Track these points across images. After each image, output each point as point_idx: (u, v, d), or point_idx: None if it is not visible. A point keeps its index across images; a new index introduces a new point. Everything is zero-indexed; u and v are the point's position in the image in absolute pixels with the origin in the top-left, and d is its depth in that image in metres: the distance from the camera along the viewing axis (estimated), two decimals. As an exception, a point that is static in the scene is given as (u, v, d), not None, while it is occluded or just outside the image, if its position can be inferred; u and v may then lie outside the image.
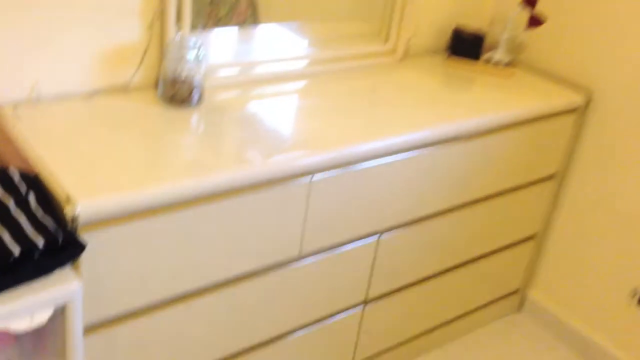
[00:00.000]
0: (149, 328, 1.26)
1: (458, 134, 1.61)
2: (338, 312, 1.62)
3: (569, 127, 1.92)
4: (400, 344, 1.88)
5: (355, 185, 1.45)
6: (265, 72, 1.66)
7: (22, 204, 1.02)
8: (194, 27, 1.86)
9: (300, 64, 1.74)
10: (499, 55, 1.95)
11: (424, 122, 1.57)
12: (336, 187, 1.41)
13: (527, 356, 2.06)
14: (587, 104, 1.90)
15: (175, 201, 1.17)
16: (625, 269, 1.93)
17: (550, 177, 1.98)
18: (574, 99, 1.87)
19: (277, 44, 1.83)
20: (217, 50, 1.68)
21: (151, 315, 1.25)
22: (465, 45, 1.94)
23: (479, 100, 1.75)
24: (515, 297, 2.19)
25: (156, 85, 1.43)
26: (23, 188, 1.05)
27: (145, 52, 1.43)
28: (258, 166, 1.26)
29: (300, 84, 1.69)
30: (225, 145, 1.30)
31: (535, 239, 2.10)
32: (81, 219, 1.05)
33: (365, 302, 1.68)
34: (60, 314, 1.02)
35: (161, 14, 1.41)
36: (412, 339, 1.91)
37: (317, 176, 1.36)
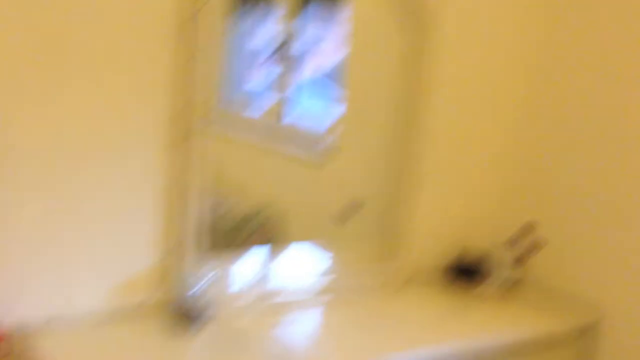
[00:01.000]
0: None
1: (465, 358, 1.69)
2: None
3: (579, 348, 1.95)
4: None
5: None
6: (278, 295, 1.80)
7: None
8: (215, 249, 2.06)
9: (312, 286, 1.88)
10: (499, 279, 2.05)
11: (425, 346, 1.66)
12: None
13: None
14: (597, 321, 1.94)
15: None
16: None
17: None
18: (582, 318, 1.93)
19: (292, 265, 2.00)
20: (236, 272, 1.85)
21: None
22: (466, 270, 2.07)
23: (485, 325, 1.84)
24: None
25: (169, 308, 1.59)
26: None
27: (162, 277, 1.60)
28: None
29: (309, 308, 1.81)
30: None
31: None
32: None
33: None
34: None
35: (180, 244, 1.61)
36: None
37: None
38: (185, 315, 1.55)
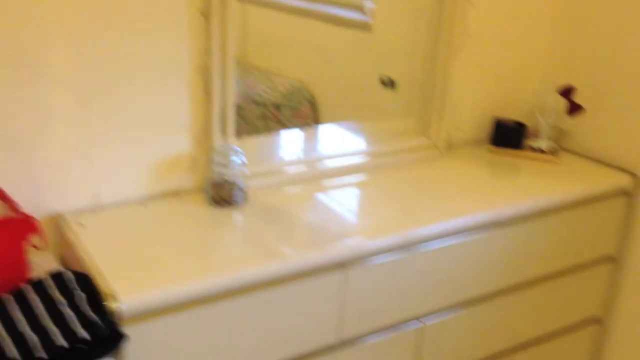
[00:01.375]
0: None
1: (504, 218, 1.67)
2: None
3: (619, 209, 1.92)
4: None
5: (398, 272, 1.53)
6: (318, 171, 1.80)
7: (74, 303, 1.18)
8: (253, 128, 2.03)
9: (349, 162, 1.86)
10: (541, 143, 1.99)
11: (469, 208, 1.64)
12: (372, 275, 1.50)
13: None
14: (637, 185, 1.91)
15: (212, 295, 1.29)
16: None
17: (605, 260, 1.97)
18: (622, 181, 1.89)
19: (332, 142, 1.97)
20: (275, 150, 1.84)
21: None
22: (508, 135, 2.01)
23: (525, 186, 1.81)
24: (584, 383, 2.14)
25: (207, 190, 1.58)
26: (76, 288, 1.21)
27: (193, 160, 1.60)
28: (291, 259, 1.37)
29: (348, 180, 1.80)
30: (263, 240, 1.43)
31: (599, 322, 2.06)
32: (124, 314, 1.19)
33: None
34: (105, 400, 1.14)
35: (207, 126, 1.59)
36: None
37: (351, 266, 1.45)
38: (224, 193, 1.55)
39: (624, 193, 1.90)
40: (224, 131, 1.60)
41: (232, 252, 1.41)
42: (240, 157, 1.56)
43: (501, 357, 1.86)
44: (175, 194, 1.61)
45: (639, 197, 1.92)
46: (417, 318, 1.62)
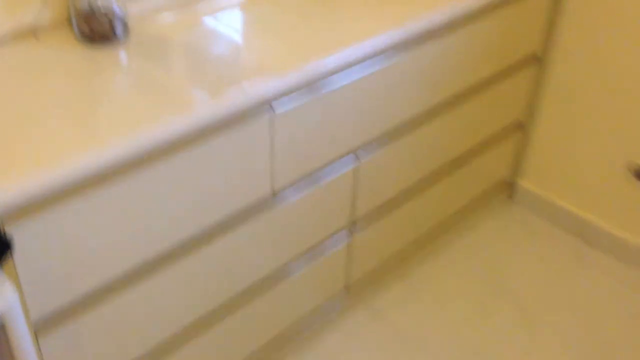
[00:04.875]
0: (121, 304, 1.11)
1: (425, 29, 1.41)
2: (324, 240, 1.49)
3: (544, 6, 1.73)
4: (398, 252, 1.77)
5: (321, 106, 1.27)
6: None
7: None
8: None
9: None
10: None
11: (383, 24, 1.34)
12: (300, 112, 1.23)
13: (524, 244, 1.98)
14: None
15: (111, 168, 0.98)
16: (617, 144, 1.81)
17: (530, 60, 1.82)
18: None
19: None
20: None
21: (122, 290, 1.10)
22: None
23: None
24: (506, 188, 2.08)
25: (70, 22, 1.20)
26: None
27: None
28: (206, 107, 1.07)
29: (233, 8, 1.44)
30: (163, 86, 1.10)
31: (521, 127, 1.96)
32: (-2, 213, 0.87)
33: (353, 223, 1.55)
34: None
35: None
36: (410, 245, 1.81)
37: (277, 105, 1.18)
38: (98, 25, 1.18)
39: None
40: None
41: (125, 105, 1.06)
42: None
43: (433, 176, 1.73)
44: (30, 31, 1.20)
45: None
46: (351, 151, 1.41)
